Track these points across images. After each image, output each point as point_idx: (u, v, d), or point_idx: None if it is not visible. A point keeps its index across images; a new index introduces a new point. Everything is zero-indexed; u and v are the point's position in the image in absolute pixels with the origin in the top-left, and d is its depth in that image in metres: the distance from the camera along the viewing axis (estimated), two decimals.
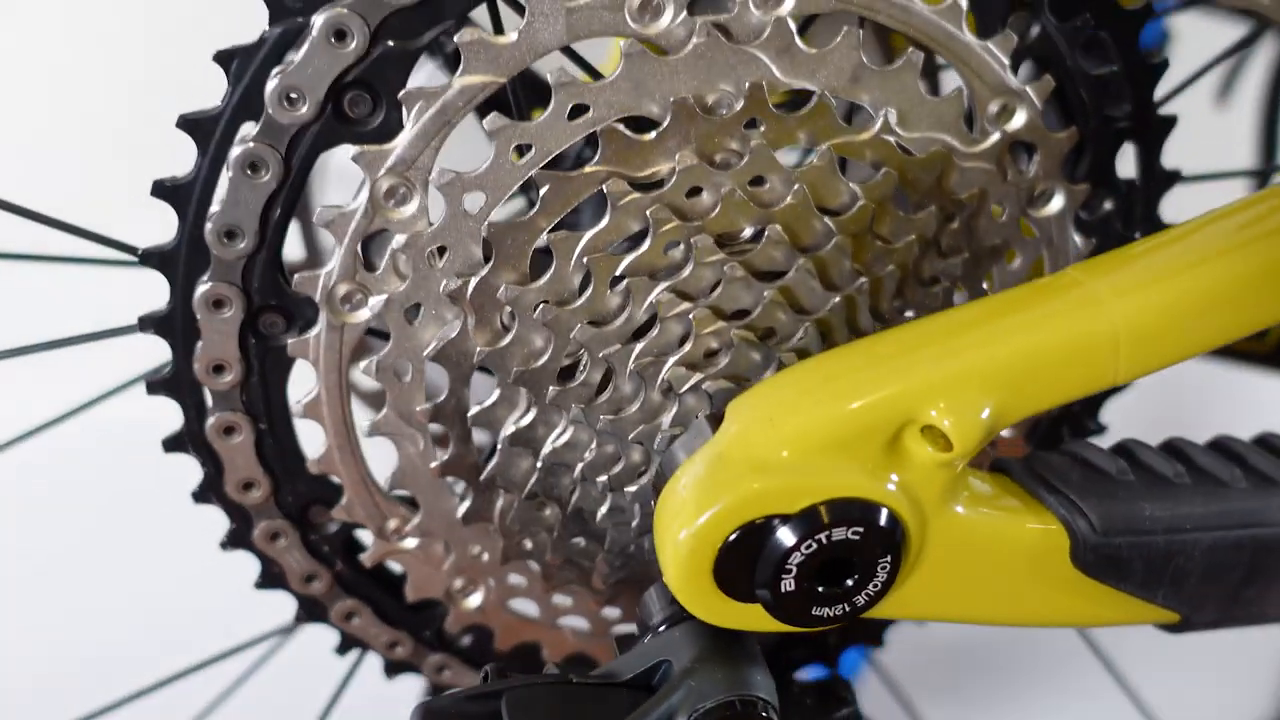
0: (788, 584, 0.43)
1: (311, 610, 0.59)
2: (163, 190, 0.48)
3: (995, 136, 0.52)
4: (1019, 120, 0.52)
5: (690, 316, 0.48)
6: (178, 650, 0.69)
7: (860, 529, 0.43)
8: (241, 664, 0.71)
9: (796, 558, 0.43)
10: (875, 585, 0.44)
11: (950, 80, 0.53)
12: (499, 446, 0.52)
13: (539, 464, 0.52)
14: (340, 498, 0.55)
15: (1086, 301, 0.44)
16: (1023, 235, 0.55)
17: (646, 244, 0.48)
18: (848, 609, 0.44)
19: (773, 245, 0.49)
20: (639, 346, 0.49)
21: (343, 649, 0.61)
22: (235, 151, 0.47)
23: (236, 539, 0.56)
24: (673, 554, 0.43)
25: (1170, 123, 0.57)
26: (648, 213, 0.48)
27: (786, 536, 0.42)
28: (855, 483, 0.43)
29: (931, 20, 0.49)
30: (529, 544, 0.56)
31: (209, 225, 0.48)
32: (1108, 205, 0.57)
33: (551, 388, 0.50)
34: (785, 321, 0.49)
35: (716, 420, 0.45)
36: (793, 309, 0.49)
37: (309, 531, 0.56)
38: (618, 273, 0.48)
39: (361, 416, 0.53)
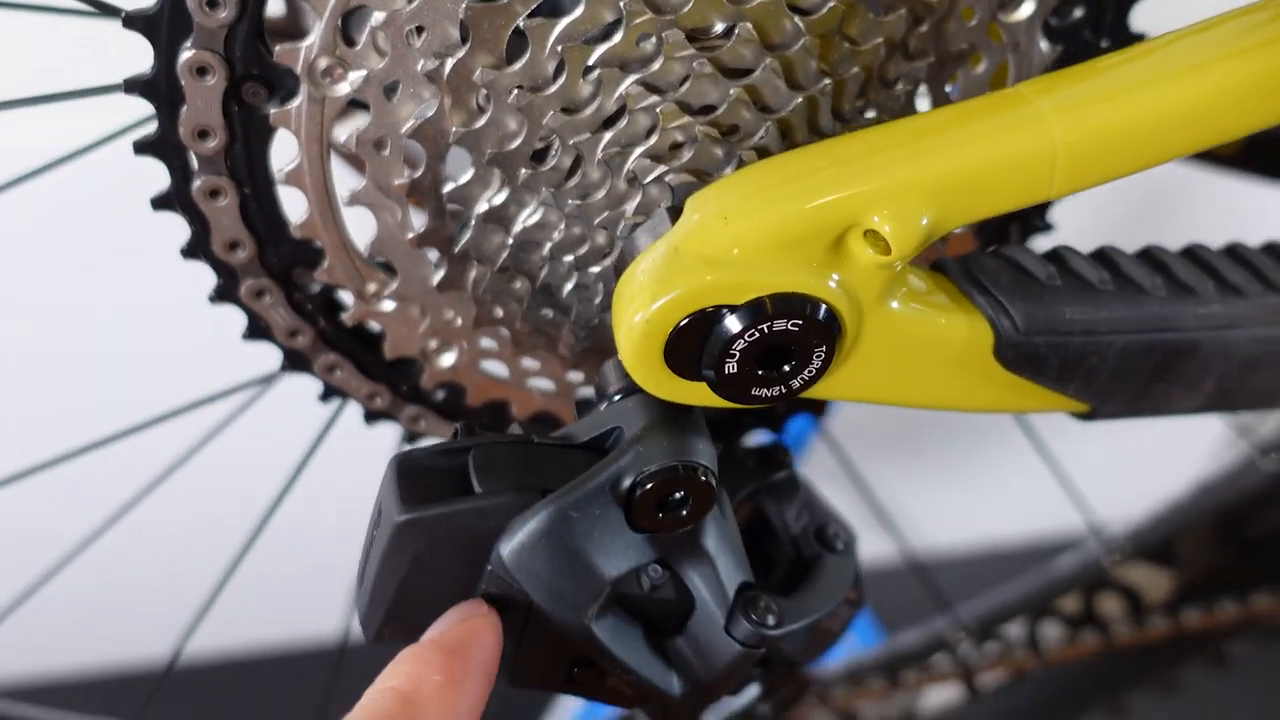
0: (731, 367, 0.47)
1: (296, 362, 0.63)
2: (135, 86, 0.49)
3: None
4: None
5: (658, 110, 0.50)
6: (170, 394, 0.73)
7: (799, 321, 0.47)
8: (225, 409, 0.76)
9: (740, 344, 0.47)
10: (810, 371, 0.49)
11: None
12: (472, 222, 0.55)
13: (510, 240, 0.55)
14: (322, 260, 0.58)
15: (1028, 119, 0.47)
16: (990, 40, 0.57)
17: (619, 36, 0.49)
18: (784, 390, 0.49)
19: (742, 43, 0.50)
20: (607, 136, 0.51)
21: (325, 397, 0.66)
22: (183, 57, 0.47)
23: (224, 294, 0.59)
24: (627, 335, 0.47)
25: None
26: (621, 4, 0.49)
27: (732, 325, 0.46)
28: (798, 279, 0.47)
29: None
30: (499, 312, 0.60)
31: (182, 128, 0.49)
32: (1078, 13, 0.58)
33: (523, 170, 0.52)
34: (749, 119, 0.51)
35: (676, 212, 0.48)
36: (757, 107, 0.51)
37: (293, 290, 0.60)
38: (589, 62, 0.50)
39: (342, 185, 0.56)
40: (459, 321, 0.61)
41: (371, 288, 0.59)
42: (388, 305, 0.60)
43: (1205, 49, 0.48)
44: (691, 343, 0.47)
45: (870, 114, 0.55)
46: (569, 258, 0.55)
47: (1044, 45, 0.58)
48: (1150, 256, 0.58)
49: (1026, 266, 0.53)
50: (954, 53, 0.56)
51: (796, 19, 0.50)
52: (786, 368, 0.48)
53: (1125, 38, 0.60)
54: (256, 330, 0.61)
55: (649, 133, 0.51)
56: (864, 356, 0.51)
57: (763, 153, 0.52)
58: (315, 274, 0.59)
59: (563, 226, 0.54)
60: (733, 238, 0.46)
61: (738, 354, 0.47)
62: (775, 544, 0.62)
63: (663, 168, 0.51)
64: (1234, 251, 0.61)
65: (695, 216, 0.47)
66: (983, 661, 1.03)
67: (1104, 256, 0.56)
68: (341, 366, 0.63)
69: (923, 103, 0.57)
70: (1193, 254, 0.59)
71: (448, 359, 0.63)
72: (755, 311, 0.46)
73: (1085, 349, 0.54)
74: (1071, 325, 0.53)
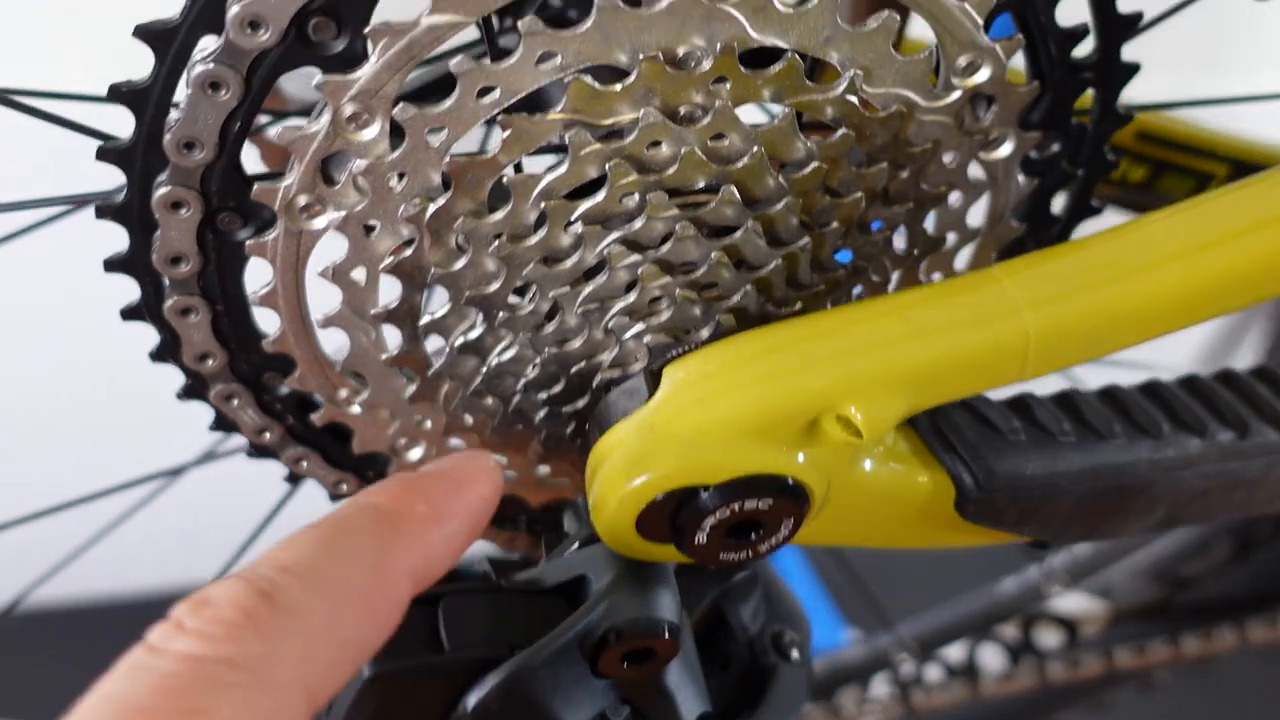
0: (700, 538, 0.48)
1: (262, 453, 0.63)
2: (119, 95, 0.47)
3: (958, 93, 0.53)
4: (983, 75, 0.53)
5: (638, 270, 0.50)
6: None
7: (770, 499, 0.48)
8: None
9: (710, 521, 0.48)
10: (777, 539, 0.50)
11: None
12: (447, 350, 0.55)
13: (484, 368, 0.55)
14: (294, 370, 0.58)
15: (1003, 311, 0.47)
16: (968, 179, 0.57)
17: (602, 194, 0.49)
18: (751, 554, 0.50)
19: (725, 204, 0.50)
20: (586, 290, 0.51)
21: (291, 480, 0.66)
22: (195, 70, 0.46)
23: (192, 393, 0.59)
24: (599, 508, 0.48)
25: (1133, 70, 0.57)
26: (607, 166, 0.48)
27: (703, 504, 0.47)
28: (771, 460, 0.47)
29: None
30: (470, 420, 0.60)
31: (168, 136, 0.47)
32: (1056, 147, 0.59)
33: (501, 312, 0.52)
34: (728, 279, 0.51)
35: (653, 377, 0.49)
36: (737, 266, 0.51)
37: (263, 393, 0.60)
38: (571, 219, 0.50)
39: (317, 307, 0.55)
40: (429, 425, 0.61)
41: (343, 394, 0.59)
42: (358, 409, 0.60)
43: (1179, 236, 0.49)
44: (662, 516, 0.48)
45: (847, 259, 0.55)
46: (542, 394, 0.55)
47: (1022, 179, 0.59)
48: (1112, 398, 0.59)
49: (992, 420, 0.54)
50: (933, 195, 0.56)
51: (780, 178, 0.50)
52: (755, 536, 0.49)
53: (1101, 165, 0.61)
54: (224, 424, 0.61)
55: (628, 289, 0.51)
56: (829, 513, 0.52)
57: (740, 314, 0.52)
58: (286, 382, 0.58)
59: (538, 365, 0.54)
60: (707, 421, 0.46)
61: (708, 528, 0.48)
62: (732, 643, 0.64)
63: (640, 325, 0.52)
64: (1192, 384, 0.62)
65: (671, 395, 0.47)
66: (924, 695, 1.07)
67: (1067, 402, 0.57)
68: (309, 458, 0.64)
69: (899, 239, 0.58)
70: (1153, 390, 0.60)
71: (416, 452, 0.64)
72: (727, 492, 0.47)
73: (1043, 499, 0.55)
74: (1031, 480, 0.54)
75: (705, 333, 0.52)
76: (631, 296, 0.51)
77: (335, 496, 0.67)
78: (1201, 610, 1.08)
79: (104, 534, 0.78)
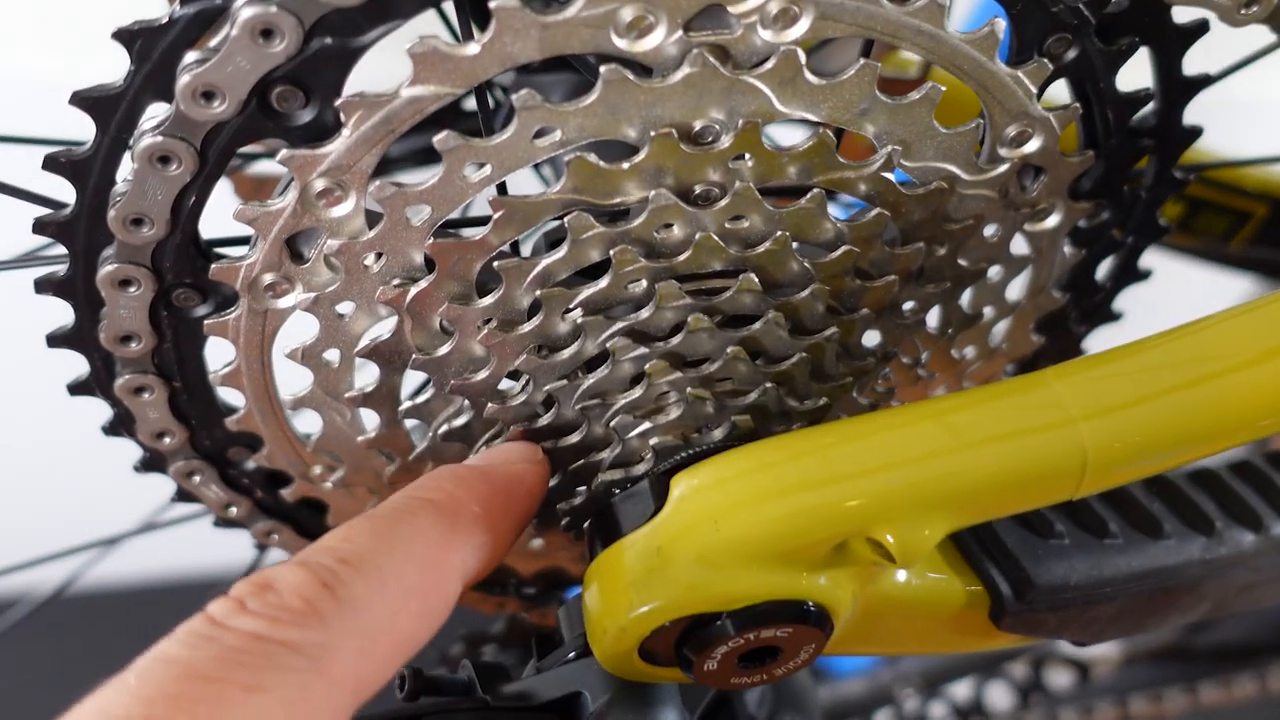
0: (711, 664, 0.43)
1: (230, 525, 0.58)
2: (57, 165, 0.41)
3: (1005, 166, 0.47)
4: (1034, 145, 0.47)
5: (645, 364, 0.45)
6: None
7: (789, 628, 0.43)
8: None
9: (723, 648, 0.43)
10: (795, 664, 0.45)
11: None
12: (430, 436, 0.49)
13: (473, 453, 0.50)
14: (261, 448, 0.52)
15: (1057, 421, 0.42)
16: (1010, 253, 0.52)
17: (606, 281, 0.44)
18: (765, 678, 0.45)
19: (744, 292, 0.44)
20: (586, 384, 0.45)
21: (260, 549, 0.61)
22: (142, 142, 0.40)
23: (150, 467, 0.54)
24: (598, 633, 0.43)
25: (1195, 134, 0.52)
26: (612, 252, 0.43)
27: (717, 632, 0.42)
28: (790, 585, 0.42)
29: (962, 50, 0.43)
30: None
31: (112, 211, 0.42)
32: (1106, 215, 0.53)
33: (490, 405, 0.47)
34: (745, 373, 0.46)
35: (660, 486, 0.43)
36: (755, 358, 0.46)
37: (227, 468, 0.54)
38: (570, 306, 0.44)
39: (285, 386, 0.50)
40: None
41: (316, 471, 0.54)
42: (332, 484, 0.55)
43: (1261, 335, 0.44)
44: (669, 641, 0.43)
45: (876, 342, 0.50)
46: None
47: (1068, 250, 0.53)
48: (1163, 489, 0.54)
49: (1034, 523, 0.49)
50: (972, 271, 0.50)
51: (806, 263, 0.45)
52: (771, 660, 0.44)
53: (1153, 231, 0.55)
54: (186, 497, 0.56)
55: (633, 384, 0.46)
56: (852, 629, 0.47)
57: (758, 411, 0.47)
58: (253, 459, 0.53)
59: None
60: (723, 545, 0.41)
61: (719, 656, 0.43)
62: None
63: (646, 424, 0.46)
64: (1246, 470, 0.57)
65: (680, 511, 0.42)
66: None
67: (1116, 497, 0.52)
68: (280, 531, 0.58)
69: (932, 318, 0.52)
70: (1205, 480, 0.55)
71: None
72: (743, 621, 0.42)
73: (1085, 607, 0.50)
74: (1075, 590, 0.49)
75: (719, 434, 0.47)
76: (637, 392, 0.46)
77: None
78: (1220, 655, 1.03)
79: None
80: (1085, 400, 0.42)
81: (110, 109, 0.40)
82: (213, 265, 0.44)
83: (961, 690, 1.09)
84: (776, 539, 0.41)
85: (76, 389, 0.50)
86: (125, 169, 0.42)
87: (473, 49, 0.39)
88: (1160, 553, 0.52)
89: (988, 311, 0.54)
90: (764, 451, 0.43)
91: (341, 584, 0.36)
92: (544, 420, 0.47)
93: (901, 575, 0.47)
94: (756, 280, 0.44)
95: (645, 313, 0.44)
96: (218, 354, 0.48)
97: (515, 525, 0.44)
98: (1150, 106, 0.50)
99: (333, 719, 0.34)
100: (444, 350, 0.46)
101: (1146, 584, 0.51)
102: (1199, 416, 0.42)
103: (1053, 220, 0.51)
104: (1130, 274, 0.57)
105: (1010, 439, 0.42)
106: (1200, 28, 0.47)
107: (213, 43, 0.39)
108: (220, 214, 0.46)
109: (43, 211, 0.44)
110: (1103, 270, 0.57)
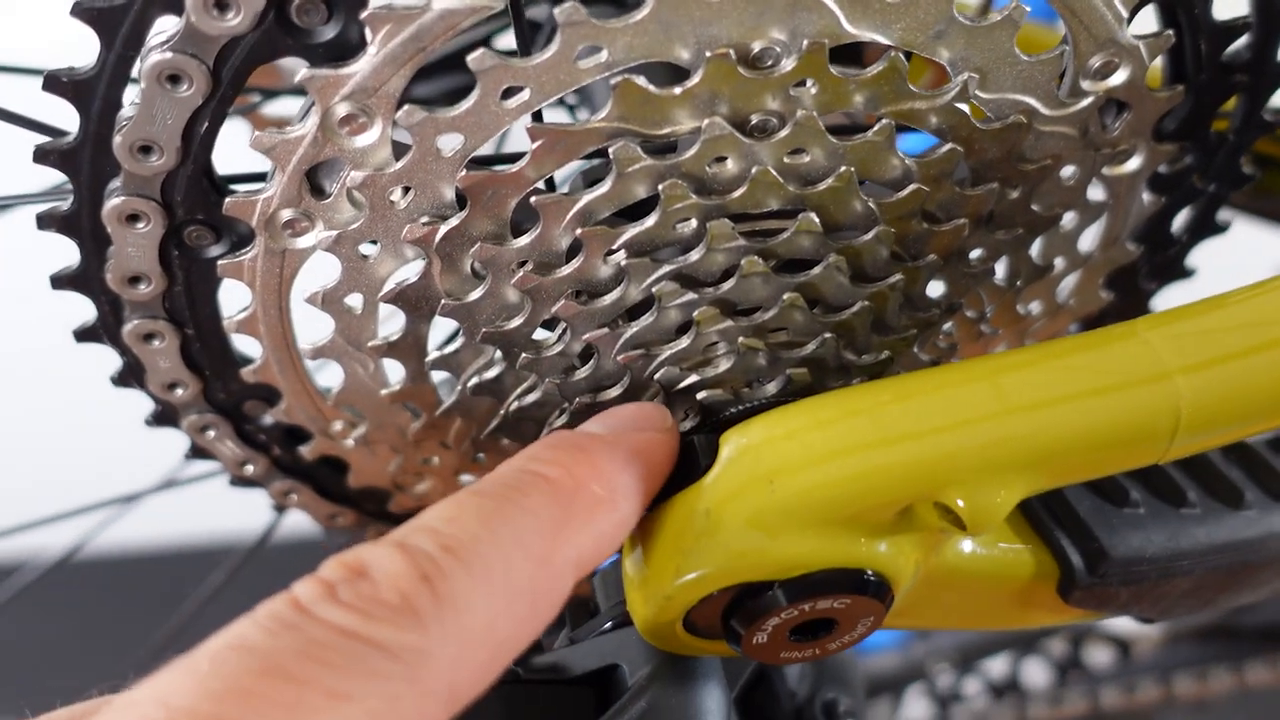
0: (761, 638, 0.40)
1: (246, 484, 0.55)
2: (58, 85, 0.38)
3: (1088, 99, 0.43)
4: (1120, 78, 0.43)
5: (693, 311, 0.41)
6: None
7: (848, 599, 0.39)
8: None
9: (774, 620, 0.39)
10: (851, 637, 0.41)
11: None
12: (459, 390, 0.46)
13: (503, 411, 0.46)
14: (279, 401, 0.49)
15: (1151, 375, 0.38)
16: (1086, 199, 0.48)
17: (652, 220, 0.40)
18: (818, 653, 0.42)
19: (803, 233, 0.41)
20: (629, 333, 0.42)
21: (279, 509, 0.58)
22: (150, 59, 0.36)
23: (162, 420, 0.51)
24: (640, 602, 0.40)
25: None
26: (660, 187, 0.39)
27: (768, 602, 0.39)
28: (850, 552, 0.39)
29: None
30: (483, 458, 0.51)
31: (118, 138, 0.38)
32: (1188, 160, 0.49)
33: (524, 353, 0.43)
34: (802, 323, 0.42)
35: (709, 444, 0.40)
36: (813, 307, 0.42)
37: (243, 422, 0.51)
38: (614, 247, 0.41)
39: (304, 334, 0.46)
40: (436, 461, 0.53)
41: (337, 427, 0.51)
42: (353, 442, 0.52)
43: None
44: (715, 612, 0.40)
45: (940, 294, 0.46)
46: None
47: (1146, 197, 0.49)
48: (1243, 456, 0.50)
49: (1109, 490, 0.46)
50: (1046, 217, 0.46)
51: (870, 202, 0.41)
52: (825, 633, 0.41)
53: (1237, 179, 0.51)
54: (200, 453, 0.53)
55: (679, 333, 0.42)
56: (912, 600, 0.43)
57: (815, 365, 0.43)
58: (270, 413, 0.50)
59: (567, 411, 0.45)
60: (778, 507, 0.38)
61: (770, 628, 0.40)
62: (777, 710, 0.56)
63: (694, 377, 0.43)
64: None
65: (731, 471, 0.38)
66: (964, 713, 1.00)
67: (1195, 464, 0.48)
68: (299, 491, 0.55)
69: (1000, 267, 0.48)
70: None
71: (422, 487, 0.55)
72: (797, 590, 0.39)
73: (1159, 580, 0.47)
74: (1149, 563, 0.46)
75: (772, 388, 0.43)
76: (684, 342, 0.42)
77: (329, 527, 0.59)
78: (1266, 634, 1.00)
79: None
80: (1182, 353, 0.38)
81: (115, 22, 0.36)
82: (227, 200, 0.40)
83: (997, 666, 1.06)
84: (836, 502, 0.38)
85: (83, 335, 0.47)
86: (132, 91, 0.38)
87: None
88: (1241, 524, 0.48)
89: (1059, 263, 0.50)
90: (822, 407, 0.39)
91: (444, 577, 0.31)
92: (582, 373, 0.43)
93: (968, 545, 0.44)
94: (817, 221, 0.40)
95: (695, 255, 0.41)
96: (232, 298, 0.45)
97: (639, 507, 0.38)
98: (1245, 39, 0.46)
99: None
100: (475, 295, 0.42)
101: (1226, 557, 0.48)
102: None
103: (1134, 163, 0.47)
104: (1208, 226, 0.53)
105: (1097, 394, 0.38)
106: None
107: None
108: (235, 151, 0.42)
109: (43, 139, 0.40)
110: (1179, 222, 0.53)
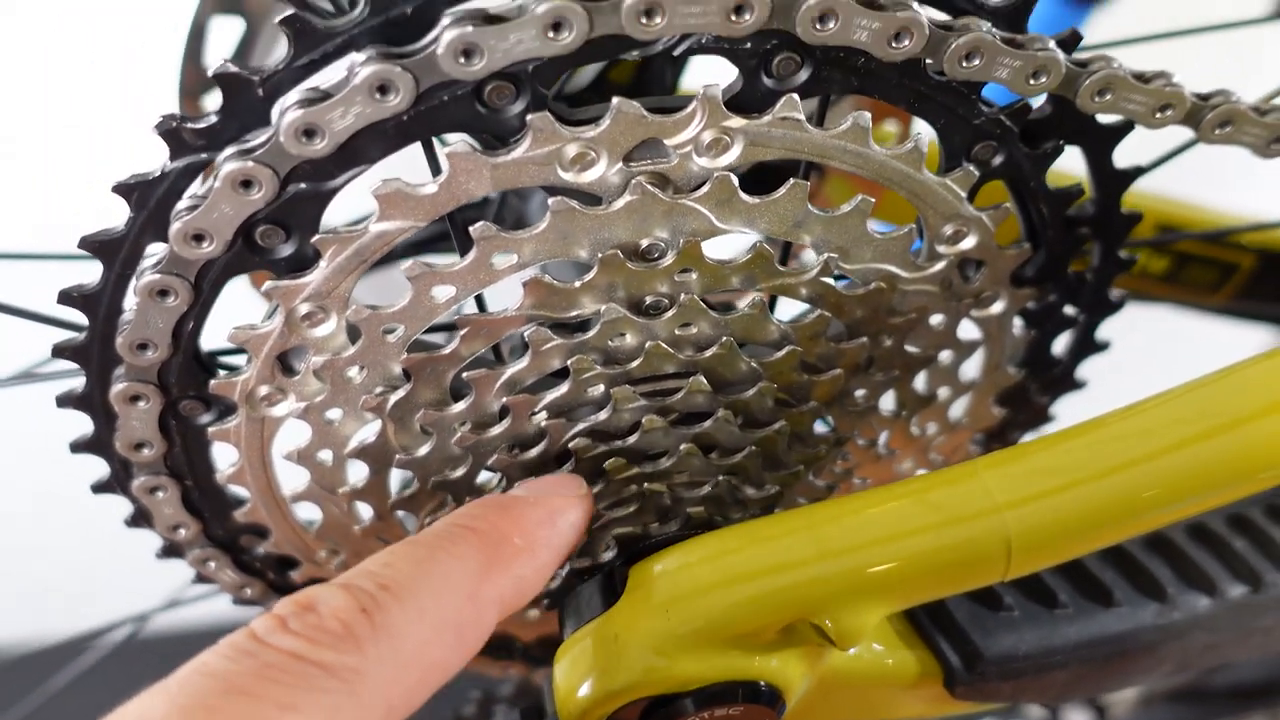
0: None
1: (246, 604, 0.62)
2: (71, 300, 0.46)
3: (943, 262, 0.50)
4: (970, 242, 0.50)
5: (604, 464, 0.49)
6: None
7: (741, 706, 0.46)
8: None
9: None
10: None
11: None
12: (418, 526, 0.53)
13: None
14: (269, 536, 0.57)
15: (983, 510, 0.45)
16: (958, 338, 0.55)
17: (565, 387, 0.47)
18: None
19: (695, 392, 0.48)
20: None
21: None
22: (143, 280, 0.45)
23: (170, 554, 0.58)
24: (569, 712, 0.46)
25: (1135, 220, 0.54)
26: (569, 361, 0.47)
27: (675, 710, 0.45)
28: (741, 666, 0.46)
29: (890, 164, 0.46)
30: None
31: (120, 339, 0.46)
32: (1053, 296, 0.56)
33: (468, 499, 0.51)
34: (699, 467, 0.49)
35: (619, 575, 0.47)
36: (708, 452, 0.49)
37: (240, 554, 0.59)
38: (534, 411, 0.48)
39: (287, 482, 0.54)
40: None
41: (321, 555, 0.58)
42: (336, 567, 0.59)
43: (1168, 428, 0.46)
44: (635, 717, 0.46)
45: (827, 430, 0.53)
46: None
47: (1018, 330, 0.56)
48: (1117, 556, 0.56)
49: (984, 597, 0.52)
50: (921, 358, 0.53)
51: (753, 363, 0.48)
52: None
53: (1106, 308, 0.58)
54: (204, 581, 0.60)
55: (595, 479, 0.49)
56: (805, 702, 0.50)
57: (713, 501, 0.50)
58: (262, 547, 0.57)
59: None
60: (674, 631, 0.45)
61: None
62: None
63: (608, 515, 0.50)
64: (1202, 532, 0.59)
65: (634, 600, 0.46)
66: None
67: (1071, 568, 0.55)
68: None
69: (887, 401, 0.55)
70: (1160, 544, 0.58)
71: None
72: (700, 700, 0.45)
73: (1038, 674, 0.53)
74: (1025, 659, 0.52)
75: (676, 524, 0.50)
76: (599, 486, 0.49)
77: None
78: (1237, 694, 1.04)
79: None
80: (1010, 490, 0.45)
81: (114, 250, 0.45)
82: (212, 381, 0.48)
83: None
84: (722, 625, 0.45)
85: (99, 488, 0.55)
86: (131, 299, 0.46)
87: (430, 188, 0.43)
88: (1111, 620, 0.54)
89: (942, 392, 0.57)
90: (710, 544, 0.46)
91: (380, 610, 0.37)
92: None
93: (853, 650, 0.50)
94: (705, 381, 0.48)
95: (604, 414, 0.48)
96: (224, 455, 0.53)
97: (556, 558, 0.44)
98: (1088, 196, 0.53)
99: None
100: (424, 450, 0.50)
101: (1099, 651, 0.54)
102: (1112, 504, 0.45)
103: (998, 306, 0.54)
104: (1088, 346, 0.60)
105: (935, 529, 0.45)
106: (1126, 125, 0.50)
107: (201, 190, 0.43)
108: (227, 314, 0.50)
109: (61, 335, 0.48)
110: (1060, 343, 0.59)
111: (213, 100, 0.65)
